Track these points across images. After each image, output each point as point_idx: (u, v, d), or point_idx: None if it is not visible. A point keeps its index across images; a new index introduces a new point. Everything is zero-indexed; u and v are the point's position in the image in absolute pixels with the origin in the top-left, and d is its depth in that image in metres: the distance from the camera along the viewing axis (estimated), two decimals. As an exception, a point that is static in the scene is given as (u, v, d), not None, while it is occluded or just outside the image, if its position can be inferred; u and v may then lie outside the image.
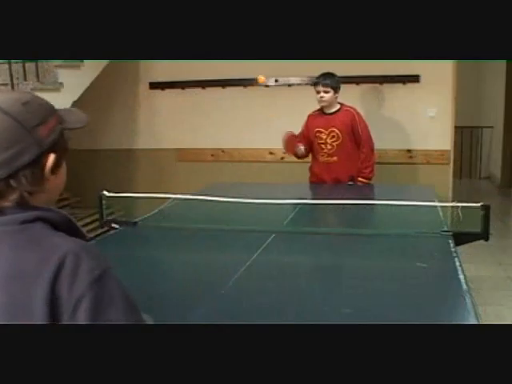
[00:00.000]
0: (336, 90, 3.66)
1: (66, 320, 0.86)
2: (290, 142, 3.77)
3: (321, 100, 3.66)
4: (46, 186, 0.98)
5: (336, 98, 3.69)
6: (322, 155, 3.75)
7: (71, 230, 0.99)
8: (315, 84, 3.70)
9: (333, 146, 3.70)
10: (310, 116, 3.83)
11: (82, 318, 0.86)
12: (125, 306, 0.91)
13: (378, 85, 4.51)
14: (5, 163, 0.92)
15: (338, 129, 3.68)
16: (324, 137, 3.72)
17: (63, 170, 1.03)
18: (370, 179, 3.73)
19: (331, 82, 3.64)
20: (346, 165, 3.71)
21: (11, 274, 0.87)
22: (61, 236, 0.94)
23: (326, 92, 3.63)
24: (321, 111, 3.77)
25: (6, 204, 0.94)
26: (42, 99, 1.02)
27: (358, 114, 3.74)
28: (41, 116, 0.97)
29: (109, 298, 0.89)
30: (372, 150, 3.78)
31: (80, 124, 1.07)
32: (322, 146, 3.74)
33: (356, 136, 3.70)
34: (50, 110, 1.01)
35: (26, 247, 0.90)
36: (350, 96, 4.02)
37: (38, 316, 0.85)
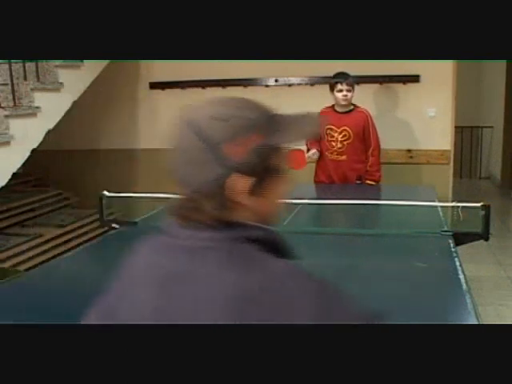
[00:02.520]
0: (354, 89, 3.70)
1: None
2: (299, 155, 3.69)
3: (344, 99, 3.66)
4: (239, 206, 0.86)
5: None
6: (332, 153, 3.76)
7: (277, 249, 0.88)
8: (337, 82, 3.66)
9: (343, 144, 3.71)
10: (321, 112, 3.83)
11: None
12: None
13: (378, 85, 4.50)
14: (187, 179, 0.89)
15: (349, 128, 3.70)
16: (335, 135, 3.73)
17: (274, 191, 0.89)
18: (378, 181, 3.79)
19: (353, 81, 3.67)
20: (354, 164, 3.75)
21: (235, 294, 0.81)
22: (270, 257, 0.85)
23: (349, 91, 3.65)
24: (332, 108, 3.77)
25: (201, 218, 0.86)
26: (246, 113, 0.87)
27: (370, 116, 3.77)
28: (230, 132, 0.85)
29: None
30: (380, 153, 3.83)
31: (296, 138, 0.92)
32: (333, 143, 3.74)
33: (366, 137, 3.73)
34: (248, 126, 0.86)
35: (241, 267, 0.82)
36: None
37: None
